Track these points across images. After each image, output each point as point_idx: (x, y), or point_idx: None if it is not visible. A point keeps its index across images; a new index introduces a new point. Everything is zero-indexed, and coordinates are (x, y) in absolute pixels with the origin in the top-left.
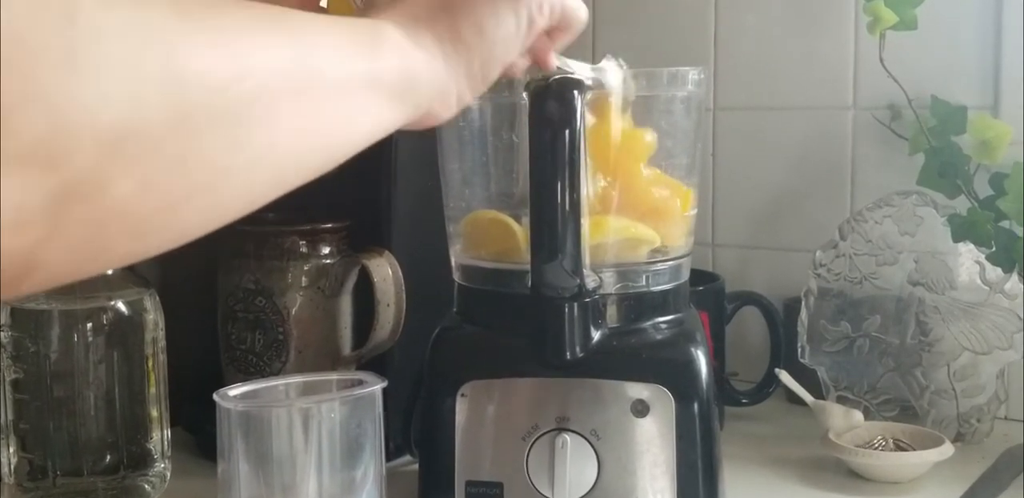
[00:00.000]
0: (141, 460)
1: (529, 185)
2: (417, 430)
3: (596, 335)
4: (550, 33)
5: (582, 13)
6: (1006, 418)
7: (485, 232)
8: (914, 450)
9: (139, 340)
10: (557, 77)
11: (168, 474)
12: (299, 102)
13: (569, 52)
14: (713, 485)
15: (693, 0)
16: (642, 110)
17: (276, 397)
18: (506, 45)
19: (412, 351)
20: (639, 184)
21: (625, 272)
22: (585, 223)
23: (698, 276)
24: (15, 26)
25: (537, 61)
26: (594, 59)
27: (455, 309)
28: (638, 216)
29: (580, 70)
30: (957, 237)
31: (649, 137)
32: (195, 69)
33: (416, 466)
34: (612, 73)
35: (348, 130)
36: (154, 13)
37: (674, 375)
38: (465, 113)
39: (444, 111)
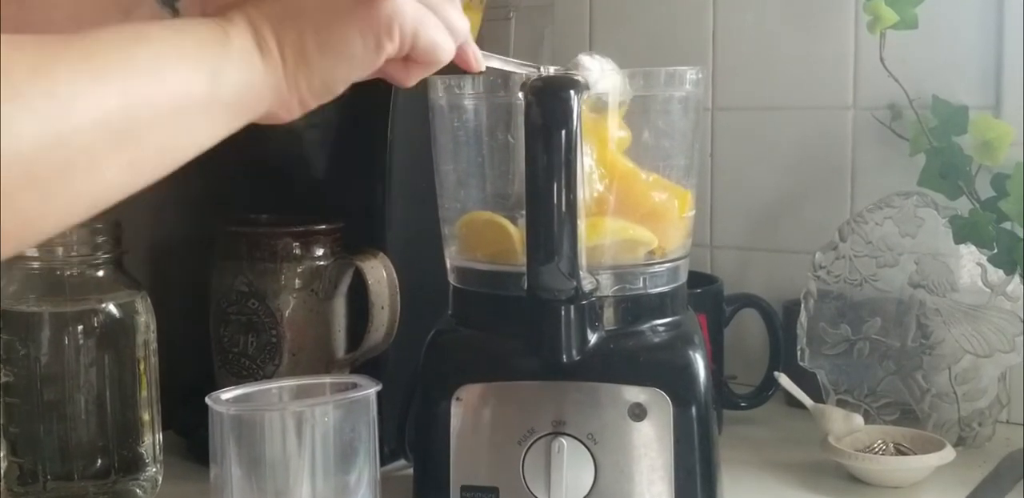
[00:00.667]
0: (132, 464)
1: (525, 186)
2: (412, 434)
3: (593, 338)
4: (406, 61)
5: (444, 53)
6: (1008, 422)
7: (480, 234)
8: (915, 454)
9: (130, 343)
10: (554, 76)
11: (160, 479)
12: (124, 146)
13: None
14: (711, 490)
15: None
16: (639, 110)
17: (269, 400)
18: (349, 65)
19: (407, 354)
20: (638, 188)
21: (622, 274)
22: (582, 224)
23: (696, 278)
24: None
25: (393, 82)
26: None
27: (450, 312)
28: (636, 219)
29: (507, 66)
30: (958, 239)
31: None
32: (12, 145)
33: (411, 471)
34: (592, 72)
35: (179, 151)
36: None
37: (672, 378)
38: (460, 113)
39: (285, 115)
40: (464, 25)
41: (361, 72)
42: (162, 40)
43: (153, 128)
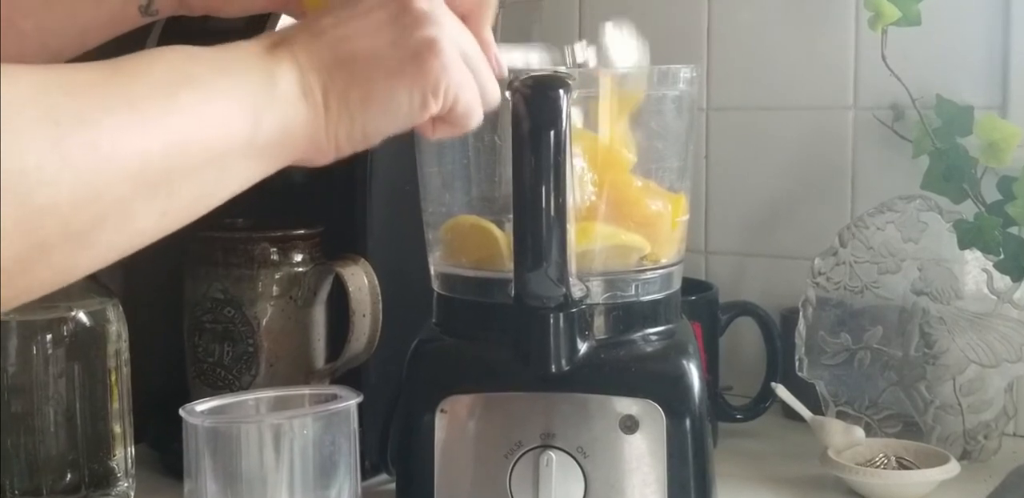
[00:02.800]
0: (103, 479)
1: (512, 189)
2: (394, 447)
3: (583, 347)
4: (435, 119)
5: (476, 119)
6: (1015, 435)
7: (466, 239)
8: (918, 468)
9: (101, 353)
10: (541, 75)
11: (132, 494)
12: (158, 196)
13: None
14: None
15: None
16: (632, 110)
17: (246, 412)
18: (392, 121)
19: (389, 364)
20: (631, 195)
21: (613, 281)
22: (571, 229)
23: (690, 285)
24: None
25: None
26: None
27: (434, 320)
28: (627, 223)
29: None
30: (963, 244)
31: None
32: (51, 200)
33: (393, 486)
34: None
35: (211, 198)
36: (17, 127)
37: (665, 389)
38: None
39: (320, 160)
40: (496, 93)
41: (403, 126)
42: (208, 83)
43: (189, 177)
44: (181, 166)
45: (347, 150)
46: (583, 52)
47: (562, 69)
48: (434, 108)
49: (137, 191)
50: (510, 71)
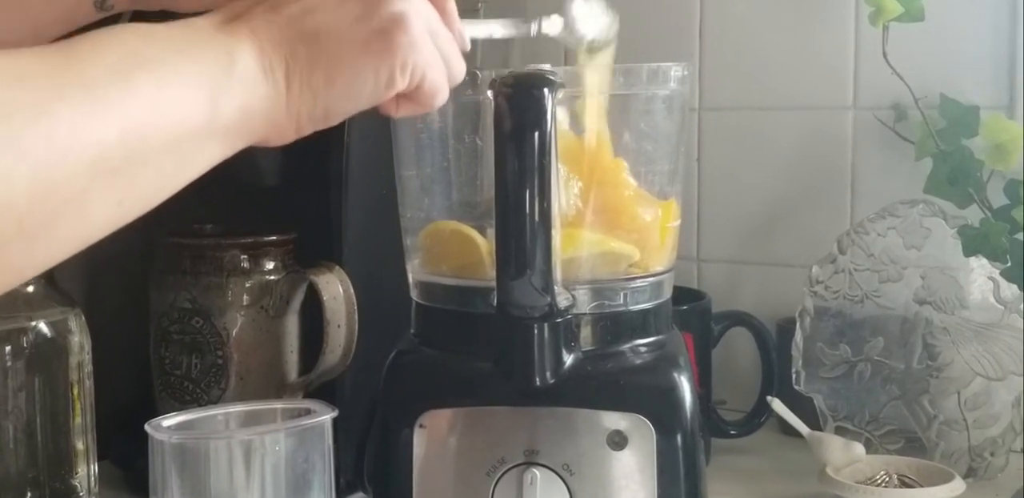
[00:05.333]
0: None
1: (494, 193)
2: (371, 464)
3: (568, 359)
4: (398, 97)
5: (441, 98)
6: (1022, 451)
7: (446, 245)
8: (921, 487)
9: (63, 365)
10: (525, 73)
11: None
12: (115, 185)
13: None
14: None
15: None
16: (619, 110)
17: (215, 428)
18: (356, 99)
19: (365, 377)
20: (619, 200)
21: (601, 289)
22: (556, 235)
23: (682, 294)
24: None
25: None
26: (565, 58)
27: (413, 330)
28: (617, 232)
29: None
30: (968, 251)
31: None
32: (5, 197)
33: None
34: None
35: (169, 185)
36: None
37: (655, 403)
38: (423, 114)
39: (278, 140)
40: (462, 70)
41: (366, 104)
42: (164, 65)
43: (147, 163)
44: (139, 153)
45: (307, 129)
46: (550, 24)
47: (546, 66)
48: (401, 86)
49: (94, 182)
50: (493, 71)
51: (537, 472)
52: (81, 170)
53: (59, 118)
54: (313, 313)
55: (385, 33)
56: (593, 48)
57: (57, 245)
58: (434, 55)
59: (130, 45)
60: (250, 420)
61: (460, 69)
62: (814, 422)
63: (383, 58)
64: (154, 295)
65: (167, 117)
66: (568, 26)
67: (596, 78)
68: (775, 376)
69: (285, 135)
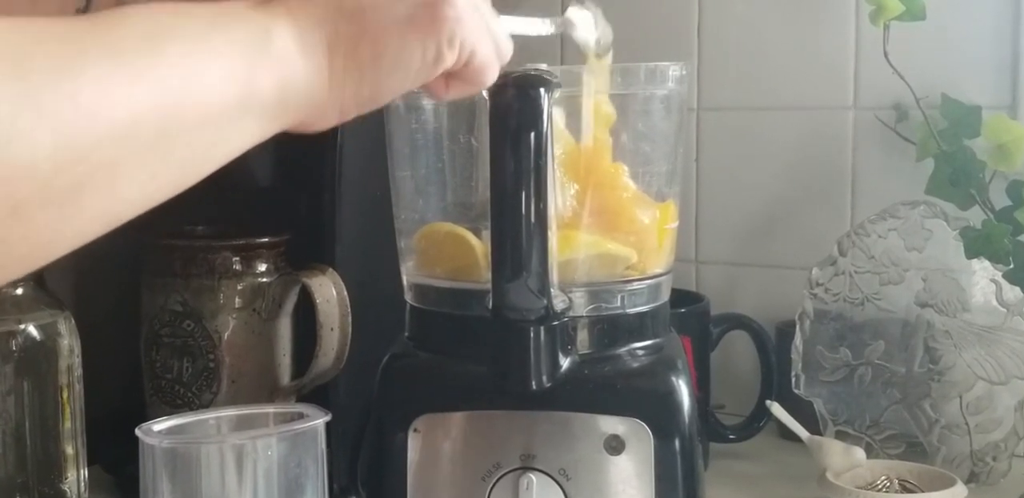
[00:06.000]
0: None
1: (490, 194)
2: (364, 470)
3: (565, 363)
4: (448, 77)
5: (491, 75)
6: None
7: (440, 247)
8: (922, 492)
9: (52, 368)
10: (521, 73)
11: None
12: (147, 159)
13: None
14: None
15: None
16: (617, 111)
17: (206, 432)
18: (403, 78)
19: (359, 381)
20: (617, 201)
21: (598, 292)
22: (553, 237)
23: (680, 297)
24: None
25: (427, 93)
26: (562, 58)
27: (407, 334)
28: (614, 233)
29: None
30: (971, 253)
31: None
32: (27, 159)
33: None
34: (582, 26)
35: (203, 164)
36: None
37: (652, 408)
38: (418, 113)
39: (320, 124)
40: (510, 47)
41: (414, 83)
42: (196, 36)
43: (179, 138)
44: (172, 125)
45: (352, 112)
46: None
47: (543, 66)
48: (449, 61)
49: (124, 152)
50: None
51: (533, 477)
52: (110, 138)
53: (84, 79)
54: (306, 316)
55: (430, 7)
56: (601, 50)
57: (86, 219)
58: (482, 30)
59: (159, 18)
60: (242, 424)
61: (508, 46)
62: (814, 426)
63: (429, 32)
64: (145, 297)
65: (201, 88)
66: (580, 26)
67: (604, 80)
68: (774, 380)
69: (327, 118)
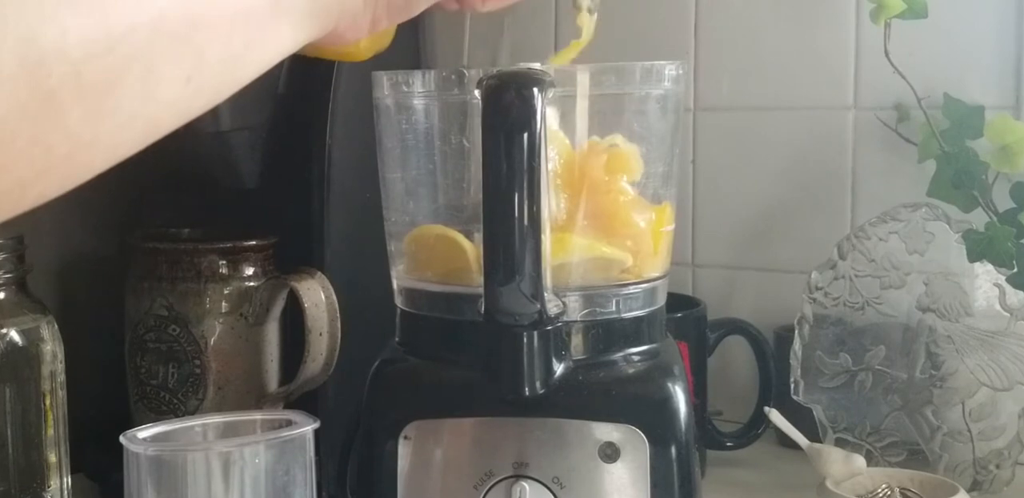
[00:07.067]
0: None
1: (482, 196)
2: (354, 477)
3: (559, 368)
4: None
5: None
6: None
7: (431, 250)
8: None
9: (35, 374)
10: (514, 71)
11: None
12: (182, 56)
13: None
14: None
15: None
16: (611, 111)
17: (192, 440)
18: None
19: (348, 387)
20: (612, 204)
21: (592, 296)
22: (546, 240)
23: (676, 301)
24: None
25: (464, 5)
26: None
27: (397, 339)
28: (609, 237)
29: None
30: (973, 256)
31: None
32: (57, 43)
33: None
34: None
35: (240, 68)
36: None
37: (648, 414)
38: (409, 113)
39: (353, 34)
40: None
41: None
42: None
43: (213, 36)
44: (203, 21)
45: (383, 22)
46: None
47: (536, 65)
48: None
49: (157, 47)
50: (480, 69)
51: (526, 485)
52: (141, 29)
53: None
54: (294, 321)
55: None
56: (594, 6)
57: (124, 119)
58: None
59: None
60: (229, 431)
61: None
62: (813, 433)
63: None
64: (129, 302)
65: None
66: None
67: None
68: (773, 386)
69: (359, 27)
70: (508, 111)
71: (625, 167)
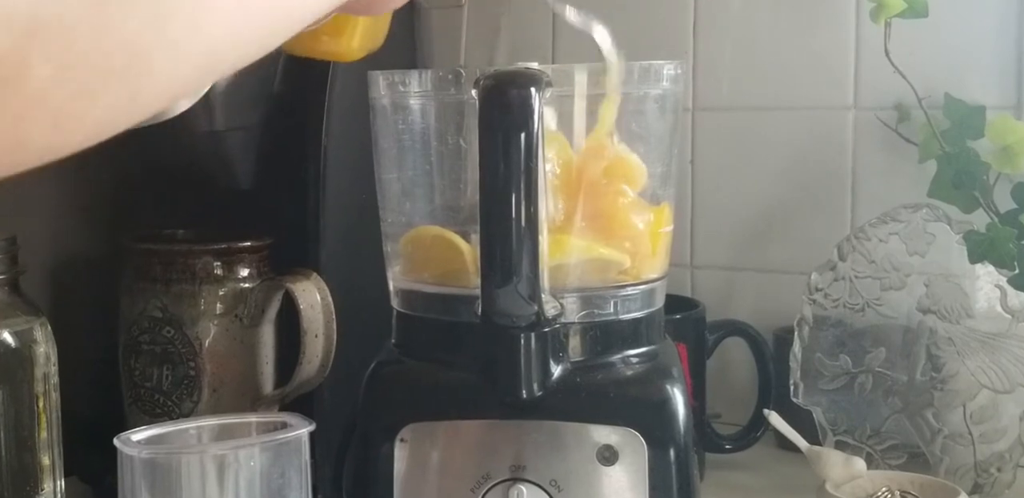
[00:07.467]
0: None
1: (479, 197)
2: (350, 480)
3: (556, 370)
4: None
5: None
6: None
7: (428, 251)
8: None
9: (28, 376)
10: (511, 71)
11: None
12: None
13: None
14: None
15: None
16: None
17: (187, 442)
18: None
19: (344, 389)
20: (615, 209)
21: (590, 298)
22: (543, 241)
23: (675, 302)
24: None
25: None
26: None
27: (393, 340)
28: (606, 238)
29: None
30: (974, 257)
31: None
32: None
33: None
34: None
35: (284, 15)
36: None
37: (647, 417)
38: (405, 113)
39: (377, 8)
40: None
41: None
42: None
43: None
44: None
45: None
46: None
47: (533, 65)
48: None
49: None
50: (477, 69)
51: (524, 488)
52: None
53: None
54: (289, 322)
55: None
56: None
57: (172, 58)
58: None
59: None
60: (224, 434)
61: None
62: (813, 436)
63: None
64: (123, 303)
65: None
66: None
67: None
68: (772, 388)
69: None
70: (505, 111)
71: (627, 177)
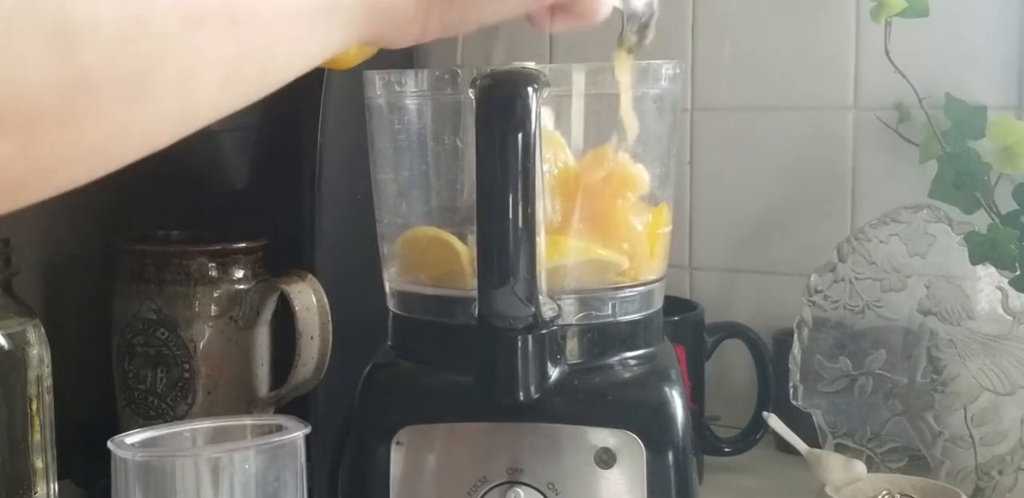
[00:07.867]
0: None
1: (476, 198)
2: (345, 484)
3: (554, 372)
4: (554, 9)
5: (604, 8)
6: None
7: (424, 253)
8: None
9: (21, 379)
10: (508, 70)
11: None
12: (224, 42)
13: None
14: None
15: None
16: (606, 111)
17: (181, 445)
18: (500, 6)
19: (340, 391)
20: (613, 211)
21: (588, 299)
22: (541, 242)
23: (673, 304)
24: None
25: (532, 23)
26: (551, 56)
27: (389, 342)
28: (604, 239)
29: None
30: (975, 258)
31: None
32: (90, 20)
33: None
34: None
35: (283, 63)
36: None
37: (645, 419)
38: (401, 113)
39: (399, 41)
40: None
41: (512, 12)
42: None
43: (256, 26)
44: (251, 13)
45: (435, 34)
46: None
47: (531, 64)
48: None
49: (196, 32)
50: (474, 68)
51: (521, 491)
52: (177, 13)
53: None
54: (285, 324)
55: None
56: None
57: (160, 111)
58: None
59: None
60: (218, 437)
61: None
62: (813, 439)
63: None
64: (117, 305)
65: None
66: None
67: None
68: (771, 391)
69: (408, 36)
70: (502, 111)
71: (629, 186)
